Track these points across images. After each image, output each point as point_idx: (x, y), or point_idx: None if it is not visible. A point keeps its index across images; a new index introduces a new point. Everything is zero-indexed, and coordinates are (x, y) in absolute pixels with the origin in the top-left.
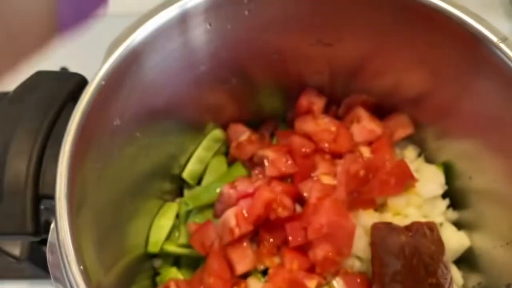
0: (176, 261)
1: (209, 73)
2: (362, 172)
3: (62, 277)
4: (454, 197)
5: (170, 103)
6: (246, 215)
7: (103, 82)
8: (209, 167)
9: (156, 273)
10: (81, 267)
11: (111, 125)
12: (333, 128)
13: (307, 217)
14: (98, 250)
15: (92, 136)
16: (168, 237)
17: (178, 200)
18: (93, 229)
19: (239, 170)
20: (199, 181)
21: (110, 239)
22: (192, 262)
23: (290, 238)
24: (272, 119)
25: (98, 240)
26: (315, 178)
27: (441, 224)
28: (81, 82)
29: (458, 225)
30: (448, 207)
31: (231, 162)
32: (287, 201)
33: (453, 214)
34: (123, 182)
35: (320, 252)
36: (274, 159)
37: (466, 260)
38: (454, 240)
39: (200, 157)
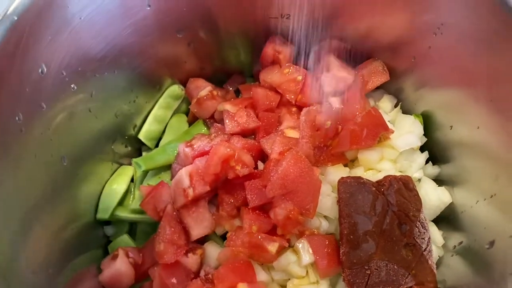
0: (132, 228)
1: (154, 19)
2: (328, 123)
3: None
4: (434, 151)
5: (113, 52)
6: (201, 174)
7: (15, 18)
8: (168, 127)
9: (110, 241)
10: None
11: (35, 73)
12: (300, 78)
13: (267, 174)
14: (24, 231)
15: (4, 80)
16: (122, 203)
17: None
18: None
19: (200, 129)
20: (158, 143)
21: (46, 209)
22: (150, 229)
23: (249, 197)
24: (239, 73)
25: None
26: (278, 132)
27: (419, 180)
28: None
29: (438, 181)
30: (428, 161)
31: (192, 121)
32: (247, 158)
33: (434, 169)
34: (63, 143)
35: (281, 211)
36: (234, 113)
37: (447, 219)
38: (434, 197)
39: (158, 116)
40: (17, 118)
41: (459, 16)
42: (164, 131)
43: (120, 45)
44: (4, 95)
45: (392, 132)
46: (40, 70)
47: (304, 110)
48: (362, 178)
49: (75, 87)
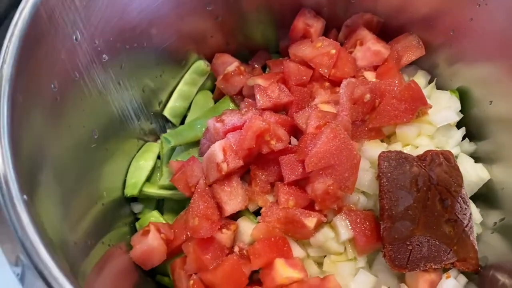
0: (159, 206)
1: None
2: (368, 96)
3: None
4: (470, 127)
5: (143, 22)
6: (235, 148)
7: None
8: (193, 104)
9: (137, 219)
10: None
11: (69, 40)
12: (334, 51)
13: (304, 148)
14: (65, 203)
15: (42, 46)
16: (149, 179)
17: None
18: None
19: (227, 105)
20: (183, 121)
21: (80, 186)
22: (177, 207)
23: (284, 172)
24: (264, 50)
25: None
26: (313, 107)
27: (456, 157)
28: None
29: (475, 158)
30: (464, 138)
31: (218, 98)
32: (282, 132)
33: (470, 146)
34: (94, 115)
35: (319, 186)
36: (266, 88)
37: (484, 196)
38: (472, 173)
39: (183, 92)
40: (52, 86)
41: None
42: (189, 109)
43: (151, 15)
44: (41, 60)
45: (431, 106)
46: (74, 37)
47: (344, 81)
48: (404, 153)
49: (106, 57)
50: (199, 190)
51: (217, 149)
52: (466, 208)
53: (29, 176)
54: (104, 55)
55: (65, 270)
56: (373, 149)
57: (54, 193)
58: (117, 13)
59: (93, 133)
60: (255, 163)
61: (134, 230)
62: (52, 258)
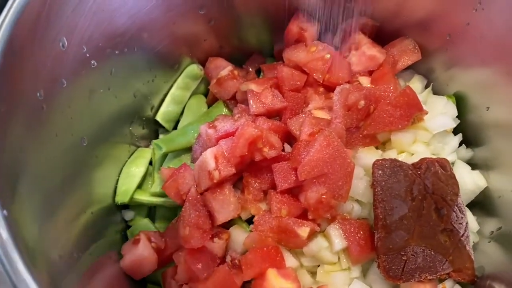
0: (151, 213)
1: None
2: (362, 103)
3: None
4: (467, 133)
5: (134, 27)
6: (227, 156)
7: None
8: (186, 109)
9: (128, 226)
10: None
11: (56, 47)
12: (328, 56)
13: (297, 156)
14: (49, 215)
15: (26, 54)
16: (141, 186)
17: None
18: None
19: (220, 110)
20: (176, 126)
21: (66, 196)
22: (169, 214)
23: (277, 180)
24: (259, 53)
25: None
26: (307, 113)
27: (452, 164)
28: None
29: (472, 164)
30: (461, 144)
31: (211, 102)
32: (275, 139)
33: (467, 152)
34: (83, 122)
35: (312, 195)
36: (259, 93)
37: (481, 204)
38: (469, 181)
39: (176, 97)
40: (38, 95)
41: None
42: (182, 113)
43: (142, 19)
44: (26, 68)
45: (426, 113)
46: (61, 44)
47: (338, 88)
48: (399, 161)
49: (95, 64)
50: (190, 198)
51: (208, 157)
52: (462, 217)
53: (9, 189)
54: (93, 61)
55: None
56: (367, 156)
57: (37, 205)
58: (106, 18)
59: (81, 141)
60: (248, 171)
61: (125, 238)
62: (32, 277)
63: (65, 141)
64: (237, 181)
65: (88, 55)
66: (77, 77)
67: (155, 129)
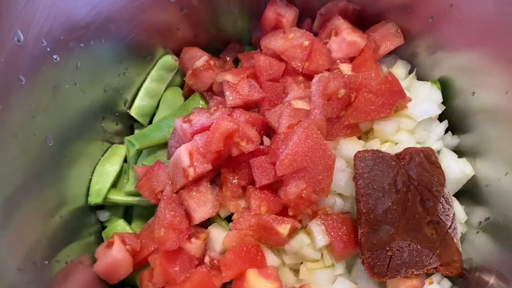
0: (128, 212)
1: None
2: (342, 92)
3: None
4: (453, 119)
5: (99, 18)
6: (202, 152)
7: None
8: (162, 102)
9: (104, 227)
10: None
11: (10, 41)
12: (307, 43)
13: (276, 150)
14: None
15: None
16: (115, 185)
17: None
18: None
19: (197, 102)
20: (152, 120)
21: (30, 194)
22: (147, 213)
23: (256, 176)
24: (236, 42)
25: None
26: (285, 104)
27: (438, 152)
28: None
29: (458, 152)
30: (446, 131)
31: (188, 94)
32: (252, 133)
33: (453, 139)
34: (47, 121)
35: (292, 190)
36: (235, 84)
37: (469, 193)
38: (456, 169)
39: (150, 90)
40: None
41: None
42: (157, 106)
43: (107, 10)
44: None
45: (410, 100)
46: (16, 38)
47: (316, 77)
48: (381, 152)
49: (58, 58)
50: (165, 197)
51: (182, 153)
52: (449, 209)
53: None
54: (55, 56)
55: None
56: (349, 147)
57: None
58: (66, 10)
59: (47, 140)
60: (225, 166)
61: (101, 240)
62: None
63: (26, 142)
64: (215, 177)
65: (48, 49)
66: (38, 73)
67: (130, 125)
